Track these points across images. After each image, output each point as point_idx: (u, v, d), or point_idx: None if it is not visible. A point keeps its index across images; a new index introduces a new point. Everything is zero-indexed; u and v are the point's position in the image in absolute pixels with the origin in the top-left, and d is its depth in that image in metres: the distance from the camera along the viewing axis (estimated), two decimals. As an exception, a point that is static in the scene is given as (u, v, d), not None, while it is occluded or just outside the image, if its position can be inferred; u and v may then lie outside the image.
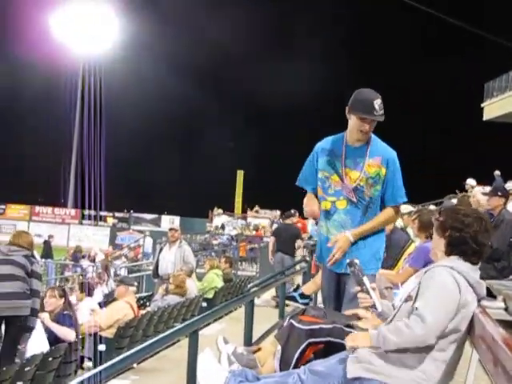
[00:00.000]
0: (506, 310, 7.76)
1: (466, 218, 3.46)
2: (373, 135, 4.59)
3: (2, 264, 7.18)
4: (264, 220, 29.77)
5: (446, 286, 3.27)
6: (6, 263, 7.19)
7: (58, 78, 46.57)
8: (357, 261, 3.68)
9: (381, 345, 3.28)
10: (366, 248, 4.52)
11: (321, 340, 3.79)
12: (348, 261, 3.70)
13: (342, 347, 3.66)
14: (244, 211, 39.31)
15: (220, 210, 28.12)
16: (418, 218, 6.41)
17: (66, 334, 7.28)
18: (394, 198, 4.58)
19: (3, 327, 7.14)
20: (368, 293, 3.58)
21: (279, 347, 3.85)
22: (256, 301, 7.11)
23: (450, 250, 3.46)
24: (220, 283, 13.07)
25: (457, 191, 16.81)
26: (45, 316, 7.53)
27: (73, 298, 10.40)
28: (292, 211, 18.64)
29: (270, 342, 4.09)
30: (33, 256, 7.57)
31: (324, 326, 3.82)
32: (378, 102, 4.43)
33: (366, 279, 3.63)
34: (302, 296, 4.92)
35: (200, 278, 13.75)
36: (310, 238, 21.02)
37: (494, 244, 8.05)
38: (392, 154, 4.58)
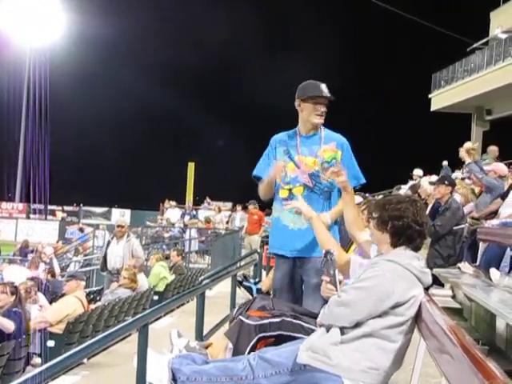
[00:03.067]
0: (453, 297, 7.93)
1: (401, 204, 3.52)
2: (322, 126, 4.68)
3: None
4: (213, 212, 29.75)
5: (379, 276, 3.33)
6: None
7: (3, 71, 45.66)
8: (334, 252, 3.67)
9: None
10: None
11: (271, 334, 3.79)
12: (324, 250, 3.69)
13: (292, 340, 3.68)
14: (195, 204, 39.22)
15: (173, 203, 27.88)
16: (366, 208, 6.46)
17: (4, 324, 7.09)
18: (357, 178, 4.68)
19: None
20: (335, 285, 3.58)
21: (231, 345, 3.84)
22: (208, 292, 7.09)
23: (397, 240, 3.50)
24: (167, 274, 13.00)
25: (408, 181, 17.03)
26: None
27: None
28: (252, 201, 18.74)
29: (221, 337, 4.08)
30: None
31: (273, 320, 3.83)
32: (323, 85, 4.63)
33: (337, 272, 3.62)
34: (259, 292, 4.92)
35: (148, 271, 13.66)
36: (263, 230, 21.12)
37: (438, 228, 8.23)
38: (345, 139, 4.71)
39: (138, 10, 56.67)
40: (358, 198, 7.75)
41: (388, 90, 56.17)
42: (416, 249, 3.51)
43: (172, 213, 25.85)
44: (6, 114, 46.57)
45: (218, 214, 25.29)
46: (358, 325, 3.32)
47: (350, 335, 3.32)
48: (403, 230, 3.47)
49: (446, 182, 8.63)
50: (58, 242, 28.69)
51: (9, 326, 7.09)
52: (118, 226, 11.97)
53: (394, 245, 3.50)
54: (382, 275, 3.33)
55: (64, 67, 48.62)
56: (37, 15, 49.23)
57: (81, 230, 31.04)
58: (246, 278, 5.42)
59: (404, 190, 13.96)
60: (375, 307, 3.30)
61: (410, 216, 3.46)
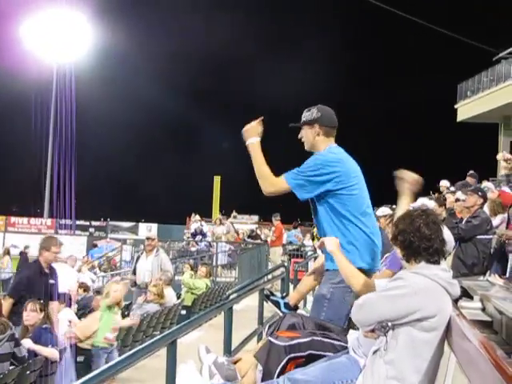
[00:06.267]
0: (483, 310, 7.83)
1: (409, 217, 3.44)
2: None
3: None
4: (243, 225, 29.72)
5: (402, 286, 3.27)
6: None
7: (30, 88, 46.24)
8: None
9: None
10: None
11: (301, 354, 3.77)
12: None
13: (321, 358, 3.66)
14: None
15: (197, 217, 27.91)
16: (391, 221, 6.41)
17: (50, 354, 7.04)
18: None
19: None
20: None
21: (260, 367, 3.82)
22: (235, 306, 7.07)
23: (406, 255, 3.41)
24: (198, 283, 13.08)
25: (431, 193, 16.84)
26: (27, 341, 7.18)
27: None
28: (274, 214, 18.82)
29: (250, 354, 4.06)
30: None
31: (302, 341, 3.80)
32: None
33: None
34: (287, 306, 4.85)
35: (177, 285, 13.68)
36: (290, 243, 21.10)
37: (460, 231, 8.16)
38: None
39: (165, 21, 56.68)
40: (387, 210, 7.70)
41: (414, 102, 55.88)
42: (435, 263, 3.37)
43: (197, 226, 25.70)
44: (34, 130, 47.15)
45: (219, 226, 24.92)
46: (390, 348, 3.28)
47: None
48: (407, 244, 3.38)
49: (480, 194, 8.58)
50: (85, 256, 28.91)
51: (54, 354, 7.00)
52: (148, 239, 12.03)
53: (407, 260, 3.41)
54: (406, 289, 3.26)
55: (91, 82, 49.07)
56: (62, 30, 49.55)
57: (94, 245, 31.42)
58: (271, 293, 5.36)
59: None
60: (396, 316, 3.25)
61: (413, 230, 3.36)
